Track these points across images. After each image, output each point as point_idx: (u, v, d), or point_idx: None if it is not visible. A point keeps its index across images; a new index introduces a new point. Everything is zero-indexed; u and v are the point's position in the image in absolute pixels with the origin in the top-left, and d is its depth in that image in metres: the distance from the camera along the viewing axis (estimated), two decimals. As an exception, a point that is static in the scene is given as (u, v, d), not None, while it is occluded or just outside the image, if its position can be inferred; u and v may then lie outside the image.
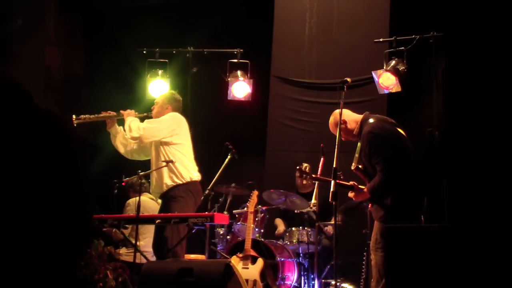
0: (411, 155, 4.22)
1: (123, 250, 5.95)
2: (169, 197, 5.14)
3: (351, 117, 4.37)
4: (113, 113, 5.37)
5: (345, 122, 4.31)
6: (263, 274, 5.49)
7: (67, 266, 1.53)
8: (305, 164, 4.56)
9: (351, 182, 4.33)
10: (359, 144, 4.26)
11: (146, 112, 5.47)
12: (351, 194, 4.36)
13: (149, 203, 5.91)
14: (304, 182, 4.51)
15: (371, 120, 4.27)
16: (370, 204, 4.42)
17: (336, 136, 4.19)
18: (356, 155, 4.26)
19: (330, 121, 4.41)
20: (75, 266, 1.69)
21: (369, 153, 4.13)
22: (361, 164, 4.23)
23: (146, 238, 5.71)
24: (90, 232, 1.85)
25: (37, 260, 1.44)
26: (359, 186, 4.31)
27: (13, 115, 1.48)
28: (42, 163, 1.47)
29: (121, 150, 5.41)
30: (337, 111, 4.29)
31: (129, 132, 5.24)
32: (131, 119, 5.28)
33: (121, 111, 5.38)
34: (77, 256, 1.62)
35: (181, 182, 5.13)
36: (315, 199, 5.31)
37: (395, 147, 4.20)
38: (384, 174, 4.05)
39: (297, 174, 4.54)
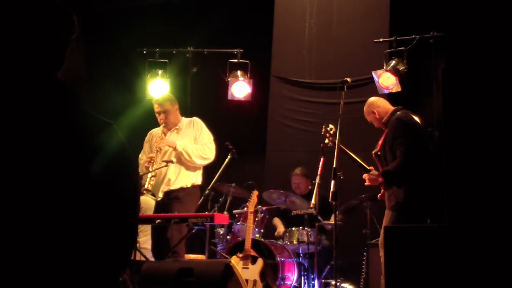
0: (429, 152, 4.35)
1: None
2: (174, 197, 5.18)
3: (383, 108, 4.63)
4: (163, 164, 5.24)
5: (374, 113, 4.61)
6: (263, 274, 5.49)
7: (112, 273, 1.51)
8: (331, 126, 4.66)
9: (370, 167, 4.55)
10: (386, 131, 4.49)
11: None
12: (365, 176, 4.45)
13: (152, 202, 5.91)
14: (326, 141, 4.67)
15: (399, 112, 4.53)
16: (379, 195, 4.49)
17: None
18: (380, 141, 4.49)
19: (364, 110, 4.74)
20: (120, 274, 1.63)
21: (393, 137, 4.33)
22: (382, 151, 4.41)
23: (147, 236, 5.71)
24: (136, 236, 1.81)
25: (78, 268, 1.42)
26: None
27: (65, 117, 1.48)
28: (97, 166, 1.46)
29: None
30: (371, 99, 4.74)
31: (201, 159, 5.26)
32: (182, 144, 5.25)
33: (159, 147, 5.26)
34: (123, 264, 1.58)
35: (190, 185, 5.24)
36: (315, 199, 5.31)
37: (417, 139, 4.39)
38: (402, 158, 4.20)
39: (322, 131, 4.71)
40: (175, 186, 5.24)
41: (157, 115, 5.45)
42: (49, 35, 1.52)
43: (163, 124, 5.41)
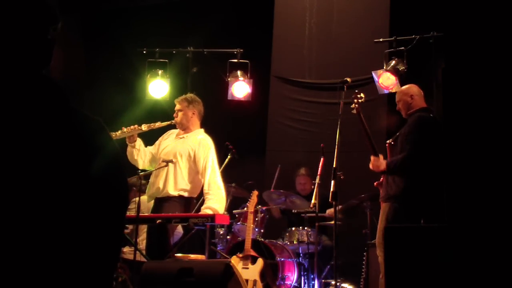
0: (439, 154, 4.37)
1: (126, 249, 5.93)
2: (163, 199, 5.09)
3: (419, 99, 4.63)
4: (137, 128, 5.07)
5: (412, 97, 4.60)
6: (263, 274, 5.49)
7: (108, 267, 1.52)
8: (362, 94, 4.62)
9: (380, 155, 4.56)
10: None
11: (166, 121, 5.21)
12: (372, 160, 4.52)
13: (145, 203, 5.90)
14: (352, 106, 4.61)
15: (423, 112, 4.54)
16: (376, 183, 4.52)
17: (336, 135, 4.27)
18: (397, 133, 4.53)
19: (402, 88, 4.78)
20: (112, 274, 1.64)
21: (409, 132, 4.36)
22: (395, 142, 4.48)
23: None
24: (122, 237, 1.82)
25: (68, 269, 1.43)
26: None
27: (51, 116, 1.47)
28: (84, 164, 1.46)
29: (140, 164, 5.21)
30: (406, 87, 4.77)
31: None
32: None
33: (144, 126, 5.10)
34: (116, 257, 1.58)
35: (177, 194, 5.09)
36: (315, 199, 5.31)
37: (430, 140, 4.38)
38: (408, 153, 4.21)
39: (352, 96, 4.66)
40: (163, 194, 5.05)
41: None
42: (36, 32, 1.52)
43: (175, 122, 5.24)
